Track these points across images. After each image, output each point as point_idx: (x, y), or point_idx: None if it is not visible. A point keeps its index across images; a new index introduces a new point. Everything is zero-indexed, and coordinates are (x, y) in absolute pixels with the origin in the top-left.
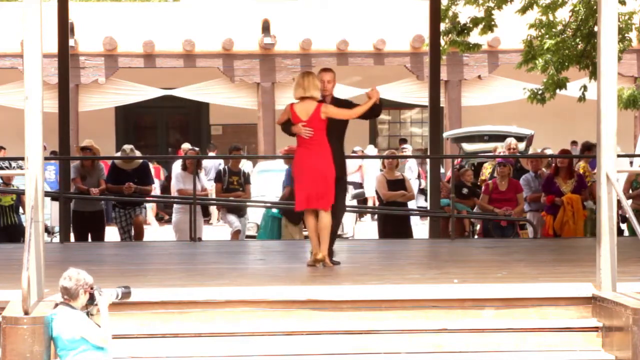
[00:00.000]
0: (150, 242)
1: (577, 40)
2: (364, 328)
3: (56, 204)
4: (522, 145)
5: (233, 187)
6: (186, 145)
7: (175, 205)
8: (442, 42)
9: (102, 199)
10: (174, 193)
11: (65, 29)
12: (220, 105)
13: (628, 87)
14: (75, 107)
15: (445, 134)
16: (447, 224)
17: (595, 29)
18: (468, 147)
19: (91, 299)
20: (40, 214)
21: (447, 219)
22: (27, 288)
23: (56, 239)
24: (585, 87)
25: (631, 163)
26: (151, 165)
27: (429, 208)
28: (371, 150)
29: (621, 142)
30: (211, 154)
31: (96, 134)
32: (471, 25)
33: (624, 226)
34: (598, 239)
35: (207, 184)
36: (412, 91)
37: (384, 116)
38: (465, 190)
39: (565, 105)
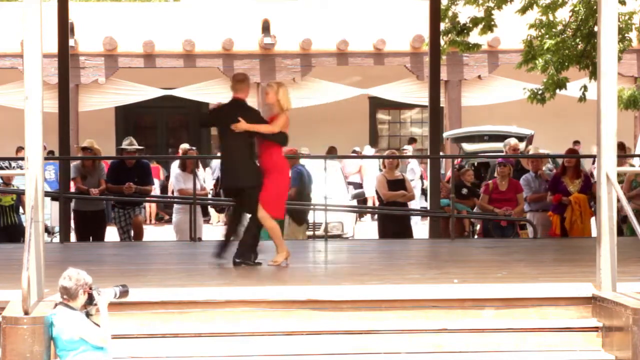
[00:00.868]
0: (150, 242)
1: (577, 40)
2: (364, 328)
3: (56, 204)
4: (522, 145)
5: None
6: (185, 146)
7: (175, 206)
8: (442, 42)
9: (101, 199)
10: (171, 193)
11: (65, 29)
12: None
13: (628, 87)
14: (75, 107)
15: (445, 134)
16: (447, 224)
17: (595, 29)
18: (468, 147)
19: (90, 299)
20: (40, 214)
21: (447, 219)
22: (27, 288)
23: (56, 239)
24: (585, 87)
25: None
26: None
27: (428, 208)
28: (368, 150)
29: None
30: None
31: (96, 134)
32: (471, 25)
33: (623, 226)
34: (598, 239)
35: (212, 182)
36: (412, 91)
37: (384, 116)
38: (465, 191)
39: (565, 105)
